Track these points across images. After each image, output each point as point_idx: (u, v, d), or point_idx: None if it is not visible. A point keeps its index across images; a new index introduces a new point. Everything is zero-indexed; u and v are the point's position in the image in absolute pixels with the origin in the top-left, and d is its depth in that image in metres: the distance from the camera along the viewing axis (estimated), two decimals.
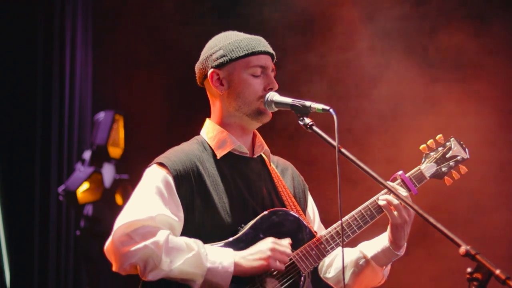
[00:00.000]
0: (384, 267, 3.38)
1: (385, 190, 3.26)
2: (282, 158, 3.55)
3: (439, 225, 2.54)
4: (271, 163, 3.41)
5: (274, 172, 3.39)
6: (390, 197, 3.23)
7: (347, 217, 3.25)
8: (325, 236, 3.21)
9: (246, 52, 3.23)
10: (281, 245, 3.06)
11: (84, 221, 6.42)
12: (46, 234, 6.62)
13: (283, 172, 3.46)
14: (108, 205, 6.49)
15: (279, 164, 3.49)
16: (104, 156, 6.55)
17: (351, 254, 3.42)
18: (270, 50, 3.32)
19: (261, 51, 3.27)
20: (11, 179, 6.46)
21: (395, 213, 3.22)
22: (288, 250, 3.07)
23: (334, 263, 3.41)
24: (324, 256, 3.18)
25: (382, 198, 3.26)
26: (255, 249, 3.04)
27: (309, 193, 3.54)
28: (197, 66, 3.37)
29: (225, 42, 3.28)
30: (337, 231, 3.21)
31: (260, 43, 3.29)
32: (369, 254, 3.37)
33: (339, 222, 3.16)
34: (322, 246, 3.18)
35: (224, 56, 3.24)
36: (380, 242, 3.35)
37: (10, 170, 6.46)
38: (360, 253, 3.39)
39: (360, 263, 3.37)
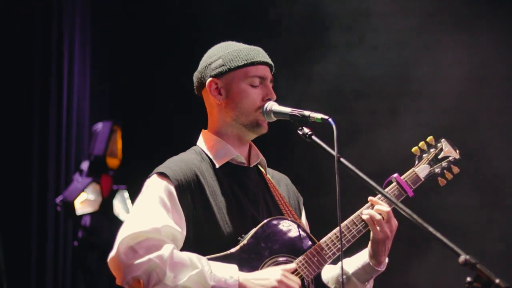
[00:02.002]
0: (366, 283, 3.36)
1: (368, 204, 3.25)
2: (277, 171, 3.54)
3: (438, 234, 2.54)
4: (267, 174, 3.40)
5: (270, 181, 3.38)
6: (373, 212, 3.21)
7: (346, 222, 3.24)
8: (325, 242, 3.19)
9: (245, 62, 3.23)
10: (290, 279, 3.02)
11: (81, 231, 6.40)
12: (43, 245, 6.60)
13: (278, 183, 3.46)
14: (106, 216, 6.48)
15: (275, 175, 3.49)
16: (102, 167, 6.54)
17: (332, 271, 3.40)
18: (269, 61, 3.32)
19: (260, 61, 3.27)
20: (8, 189, 6.45)
21: (378, 228, 3.19)
22: (296, 286, 3.02)
23: None
24: (326, 262, 3.16)
25: (365, 212, 3.23)
26: (263, 275, 3.00)
27: (303, 206, 3.53)
28: (195, 75, 3.37)
29: (224, 52, 3.28)
30: (337, 236, 3.19)
31: (259, 53, 3.30)
32: (350, 271, 3.35)
33: (338, 228, 3.14)
34: (324, 252, 3.16)
35: (223, 65, 3.24)
36: (360, 258, 3.33)
37: (7, 180, 6.45)
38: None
39: (341, 279, 3.34)
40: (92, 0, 7.23)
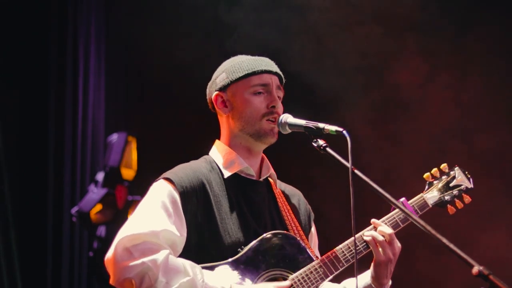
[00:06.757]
0: None
1: (371, 226, 3.22)
2: (290, 186, 3.55)
3: (451, 246, 2.54)
4: (278, 187, 3.41)
5: (280, 195, 3.39)
6: (376, 233, 3.17)
7: (346, 242, 3.22)
8: (324, 259, 3.18)
9: (247, 72, 3.28)
10: None
11: (97, 242, 6.43)
12: (59, 255, 6.64)
13: (289, 197, 3.46)
14: (121, 227, 6.49)
15: (287, 189, 3.50)
16: (117, 178, 6.57)
17: None
18: (274, 69, 3.34)
19: (263, 70, 3.30)
20: (24, 200, 6.49)
21: (380, 250, 3.16)
22: None
23: None
24: (323, 279, 3.15)
25: (367, 234, 3.18)
26: None
27: (313, 223, 3.52)
28: (206, 92, 3.43)
29: (227, 65, 3.34)
30: (336, 255, 3.18)
31: (262, 62, 3.33)
32: None
33: (339, 246, 3.18)
34: (322, 270, 3.15)
35: (226, 78, 3.30)
36: (362, 279, 3.30)
37: (23, 191, 6.49)
38: None
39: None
40: (106, 10, 7.30)
